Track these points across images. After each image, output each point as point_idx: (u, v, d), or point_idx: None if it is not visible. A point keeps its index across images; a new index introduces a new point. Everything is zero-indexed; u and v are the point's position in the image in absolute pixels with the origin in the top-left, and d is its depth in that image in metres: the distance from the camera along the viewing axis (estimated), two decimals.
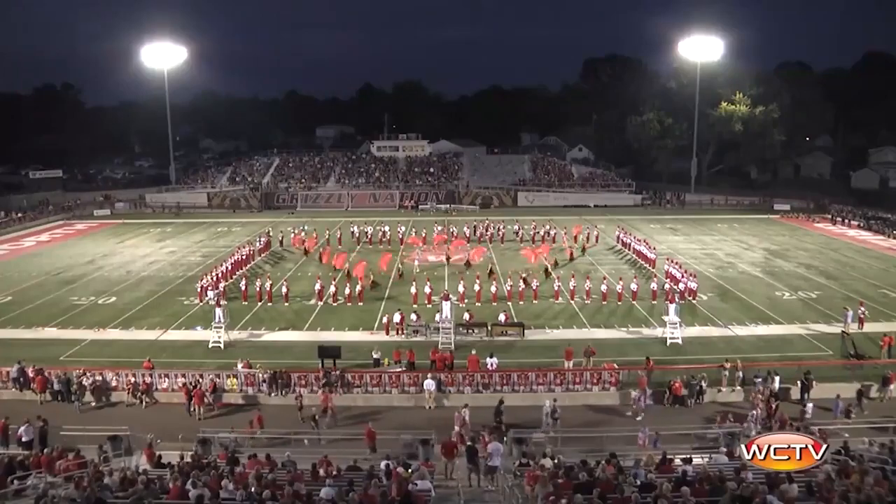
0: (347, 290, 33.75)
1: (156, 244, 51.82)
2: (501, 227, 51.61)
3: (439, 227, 52.68)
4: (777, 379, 22.65)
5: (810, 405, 21.71)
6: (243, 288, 35.04)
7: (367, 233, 50.12)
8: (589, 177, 78.61)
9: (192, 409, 22.44)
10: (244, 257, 42.10)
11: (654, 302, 33.41)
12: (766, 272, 40.39)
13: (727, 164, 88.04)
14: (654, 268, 40.08)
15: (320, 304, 33.26)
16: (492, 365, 24.07)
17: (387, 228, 50.86)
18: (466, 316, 29.41)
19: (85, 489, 13.24)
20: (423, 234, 49.81)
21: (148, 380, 23.62)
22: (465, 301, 32.65)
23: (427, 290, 33.43)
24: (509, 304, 33.25)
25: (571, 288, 35.11)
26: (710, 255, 45.56)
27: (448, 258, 42.49)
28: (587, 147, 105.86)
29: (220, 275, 36.61)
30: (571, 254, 44.14)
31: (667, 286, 34.73)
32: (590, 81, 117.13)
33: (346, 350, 25.76)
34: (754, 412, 20.48)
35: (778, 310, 32.38)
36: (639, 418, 21.70)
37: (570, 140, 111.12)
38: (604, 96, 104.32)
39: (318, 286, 34.13)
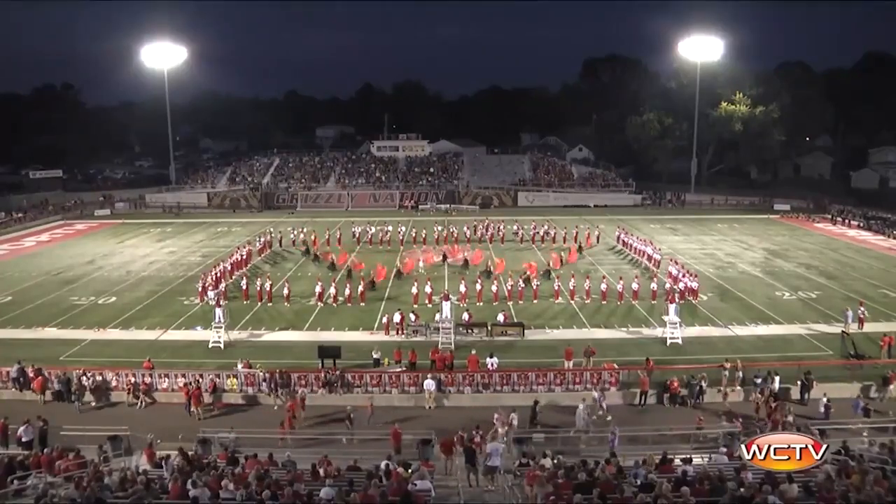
0: (348, 291, 33.64)
1: (156, 244, 51.83)
2: (501, 227, 51.60)
3: (439, 227, 52.62)
4: (777, 379, 22.66)
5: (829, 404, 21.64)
6: (244, 287, 35.03)
7: (368, 232, 49.89)
8: (589, 177, 78.61)
9: (191, 409, 22.42)
10: (244, 257, 42.09)
11: (654, 302, 33.41)
12: (766, 272, 40.38)
13: (727, 164, 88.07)
14: (658, 268, 39.74)
15: (320, 305, 33.19)
16: (492, 365, 24.07)
17: (390, 228, 50.81)
18: (466, 316, 29.40)
19: (85, 489, 13.25)
20: (424, 235, 49.84)
21: (148, 380, 23.63)
22: (466, 301, 32.67)
23: (427, 289, 33.43)
24: (509, 304, 33.28)
25: (571, 288, 35.11)
26: (710, 255, 45.56)
27: (445, 257, 42.46)
28: (587, 147, 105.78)
29: (219, 274, 36.66)
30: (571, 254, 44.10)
31: (667, 286, 34.72)
32: (590, 81, 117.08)
33: (346, 350, 25.74)
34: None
35: (778, 310, 32.37)
36: (594, 418, 21.42)
37: (570, 140, 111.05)
38: (604, 96, 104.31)
39: (318, 288, 33.95)
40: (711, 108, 77.25)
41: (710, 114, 77.37)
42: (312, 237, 48.36)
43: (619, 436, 19.37)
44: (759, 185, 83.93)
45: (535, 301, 33.83)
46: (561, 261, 41.03)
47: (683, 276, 35.20)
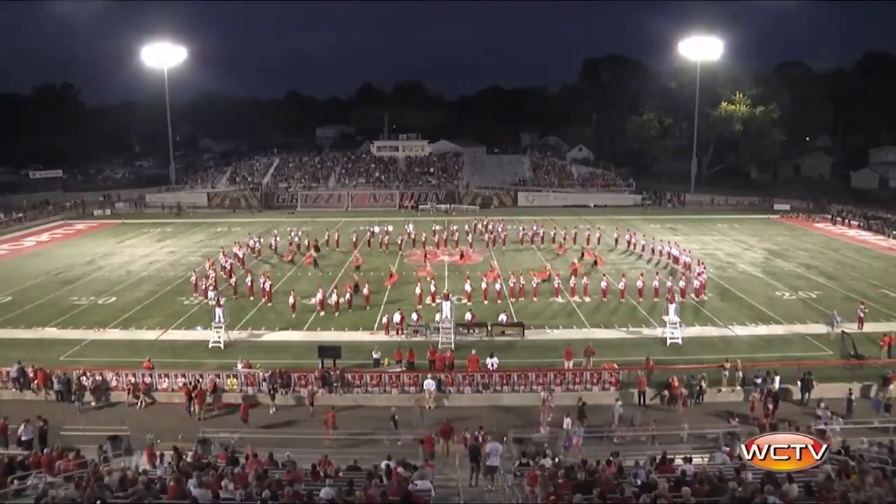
0: (348, 296, 33.11)
1: (156, 244, 51.80)
2: (501, 226, 51.47)
3: (439, 227, 52.51)
4: (777, 379, 22.67)
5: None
6: (249, 284, 35.00)
7: (387, 231, 49.49)
8: (589, 177, 78.58)
9: (192, 409, 22.44)
10: (242, 256, 42.01)
11: (656, 299, 33.39)
12: (766, 272, 40.36)
13: (727, 164, 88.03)
14: (689, 270, 38.53)
15: (322, 313, 32.32)
16: (492, 365, 24.07)
17: (410, 227, 50.55)
18: (469, 316, 29.40)
19: (85, 489, 13.24)
20: (424, 237, 49.73)
21: (148, 380, 23.65)
22: (472, 300, 32.71)
23: (432, 288, 33.42)
24: (510, 302, 33.29)
25: (571, 286, 35.11)
26: (710, 255, 45.47)
27: (426, 256, 42.28)
28: (587, 147, 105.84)
29: (213, 274, 36.74)
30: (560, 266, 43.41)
31: (668, 284, 34.69)
32: (590, 81, 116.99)
33: (346, 350, 25.73)
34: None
35: (778, 310, 32.36)
36: (543, 429, 20.71)
37: (570, 140, 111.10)
38: (604, 96, 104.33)
39: (319, 296, 32.99)
40: (711, 108, 77.28)
41: (710, 114, 77.39)
42: (287, 241, 47.68)
43: (618, 436, 19.38)
44: (759, 185, 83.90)
45: (535, 299, 33.84)
46: (596, 260, 40.96)
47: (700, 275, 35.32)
